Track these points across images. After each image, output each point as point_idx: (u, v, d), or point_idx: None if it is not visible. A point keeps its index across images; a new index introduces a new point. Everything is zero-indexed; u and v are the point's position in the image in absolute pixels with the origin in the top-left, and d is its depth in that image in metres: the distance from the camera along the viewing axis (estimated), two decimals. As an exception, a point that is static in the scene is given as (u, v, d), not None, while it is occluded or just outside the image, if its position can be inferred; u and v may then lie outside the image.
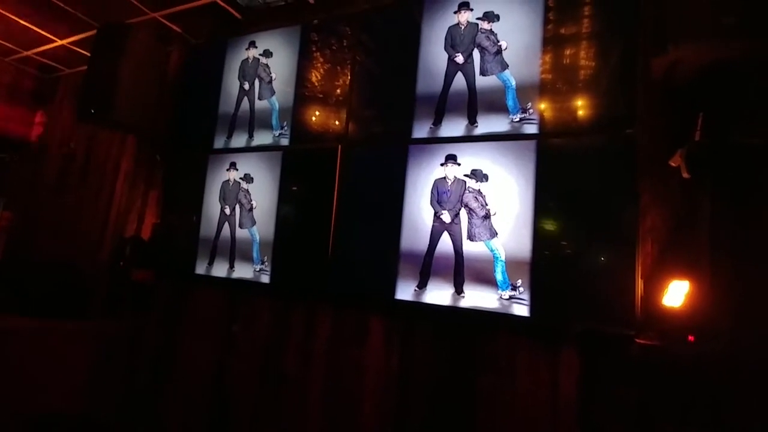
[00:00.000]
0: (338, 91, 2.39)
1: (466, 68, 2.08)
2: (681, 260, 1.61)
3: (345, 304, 2.24)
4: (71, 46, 3.50)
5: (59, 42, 3.46)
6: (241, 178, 2.63)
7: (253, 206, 2.55)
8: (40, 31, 3.33)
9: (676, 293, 1.55)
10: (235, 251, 2.57)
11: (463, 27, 2.12)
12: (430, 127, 2.11)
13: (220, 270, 2.60)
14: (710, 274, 1.56)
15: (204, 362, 2.61)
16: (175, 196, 2.94)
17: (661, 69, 1.70)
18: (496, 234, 1.87)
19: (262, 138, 2.60)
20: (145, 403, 2.79)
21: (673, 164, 1.61)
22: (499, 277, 1.84)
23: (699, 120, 1.57)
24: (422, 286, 1.99)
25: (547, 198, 1.81)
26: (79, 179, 3.60)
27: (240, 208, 2.60)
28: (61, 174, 3.76)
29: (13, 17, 3.17)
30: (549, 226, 1.80)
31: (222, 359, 2.55)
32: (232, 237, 2.60)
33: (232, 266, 2.56)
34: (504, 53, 2.00)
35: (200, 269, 2.67)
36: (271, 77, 2.64)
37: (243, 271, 2.51)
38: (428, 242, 2.01)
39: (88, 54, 3.14)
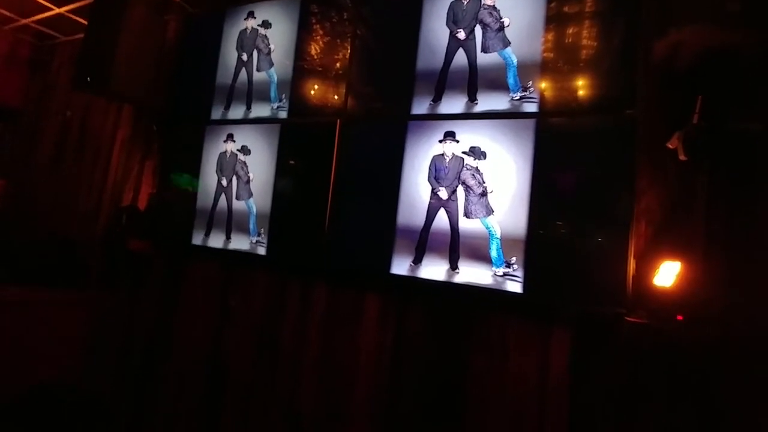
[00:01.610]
0: (338, 64, 2.37)
1: (468, 45, 2.06)
2: (674, 241, 1.63)
3: (341, 277, 2.26)
4: (68, 14, 3.43)
5: (57, 10, 3.40)
6: (238, 150, 2.62)
7: (250, 178, 2.54)
8: (36, -3, 3.27)
9: (668, 273, 1.57)
10: (231, 223, 2.57)
11: (465, 2, 2.09)
12: (430, 104, 2.10)
13: (216, 241, 2.60)
14: (703, 256, 1.58)
15: (200, 333, 2.63)
16: (171, 167, 2.92)
17: (663, 51, 1.69)
18: (493, 212, 1.88)
19: (260, 110, 2.58)
20: (140, 374, 2.82)
21: (670, 146, 1.61)
22: (493, 254, 1.86)
23: (697, 103, 1.57)
24: (418, 261, 2.01)
25: (544, 177, 1.82)
26: (76, 148, 3.58)
27: (237, 179, 2.60)
28: (57, 143, 3.73)
29: (9, -18, 3.11)
30: (545, 204, 1.80)
31: (218, 331, 2.58)
32: (228, 208, 2.60)
33: (228, 237, 2.57)
34: (506, 30, 1.98)
35: (197, 240, 2.68)
36: (270, 49, 2.60)
37: (239, 243, 2.52)
38: (425, 218, 2.02)
39: (86, 22, 3.08)
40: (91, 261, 3.16)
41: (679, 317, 1.55)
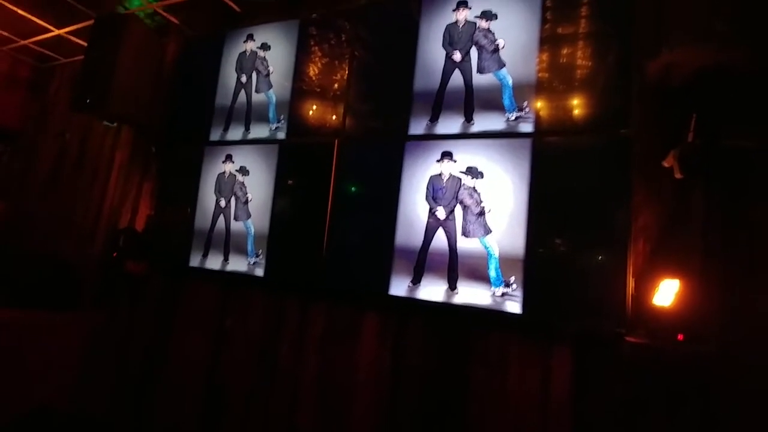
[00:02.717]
0: (336, 85, 2.40)
1: (464, 66, 2.09)
2: (672, 259, 1.63)
3: (339, 298, 2.25)
4: (68, 36, 3.47)
5: (56, 32, 3.44)
6: (237, 171, 2.62)
7: (249, 199, 2.54)
8: (37, 20, 3.31)
9: (667, 292, 1.57)
10: (229, 244, 2.57)
11: (461, 25, 2.13)
12: (427, 124, 2.12)
13: (214, 263, 2.59)
14: (701, 274, 1.58)
15: (197, 355, 2.60)
16: (170, 188, 2.93)
17: (656, 71, 1.72)
18: (491, 231, 1.89)
19: (259, 131, 2.60)
20: (136, 396, 2.78)
21: (666, 165, 1.63)
22: (492, 273, 1.85)
23: (692, 122, 1.59)
24: (416, 281, 2.00)
25: (541, 196, 1.83)
26: (74, 170, 3.58)
27: (235, 200, 2.60)
28: (55, 164, 3.74)
29: (11, 6, 3.15)
30: (543, 223, 1.81)
31: (215, 352, 2.55)
32: (227, 229, 2.59)
33: (226, 259, 2.56)
34: (501, 52, 2.01)
35: (194, 261, 2.66)
36: (269, 70, 2.64)
37: (237, 264, 2.51)
38: (423, 238, 2.02)
39: (85, 44, 3.12)
40: (87, 282, 3.13)
41: (680, 337, 1.54)
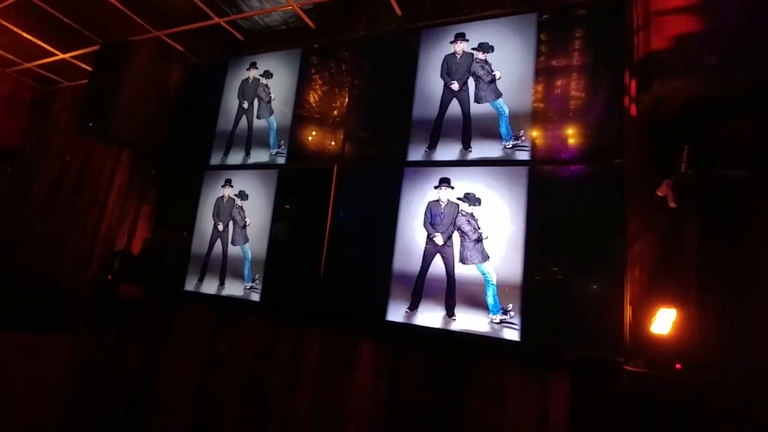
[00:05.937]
0: (336, 112, 2.44)
1: (461, 95, 2.14)
2: (669, 288, 1.63)
3: (335, 324, 2.23)
4: (73, 60, 3.53)
5: (61, 56, 3.50)
6: (235, 195, 2.64)
7: (247, 223, 2.55)
8: (42, 44, 3.37)
9: (664, 321, 1.57)
10: (226, 268, 2.55)
11: (458, 56, 2.19)
12: (425, 151, 2.15)
13: (210, 287, 2.57)
14: (697, 302, 1.58)
15: (188, 381, 2.55)
16: (168, 211, 2.93)
17: (648, 103, 1.76)
18: (488, 257, 1.89)
19: (259, 156, 2.63)
20: (124, 422, 2.70)
21: (660, 194, 1.65)
22: (490, 300, 1.85)
23: (684, 152, 1.62)
24: (413, 308, 1.99)
25: (538, 223, 1.85)
26: (72, 192, 3.58)
27: (233, 224, 2.60)
28: (54, 186, 3.74)
29: (17, 30, 3.21)
30: (540, 251, 1.82)
31: (207, 379, 2.50)
32: (224, 254, 2.59)
33: (222, 283, 2.54)
34: (498, 82, 2.07)
35: (190, 286, 2.64)
36: (271, 97, 2.69)
37: (233, 289, 2.49)
38: (420, 264, 2.02)
39: (89, 68, 3.17)
40: (79, 304, 3.09)
41: (678, 366, 1.53)
